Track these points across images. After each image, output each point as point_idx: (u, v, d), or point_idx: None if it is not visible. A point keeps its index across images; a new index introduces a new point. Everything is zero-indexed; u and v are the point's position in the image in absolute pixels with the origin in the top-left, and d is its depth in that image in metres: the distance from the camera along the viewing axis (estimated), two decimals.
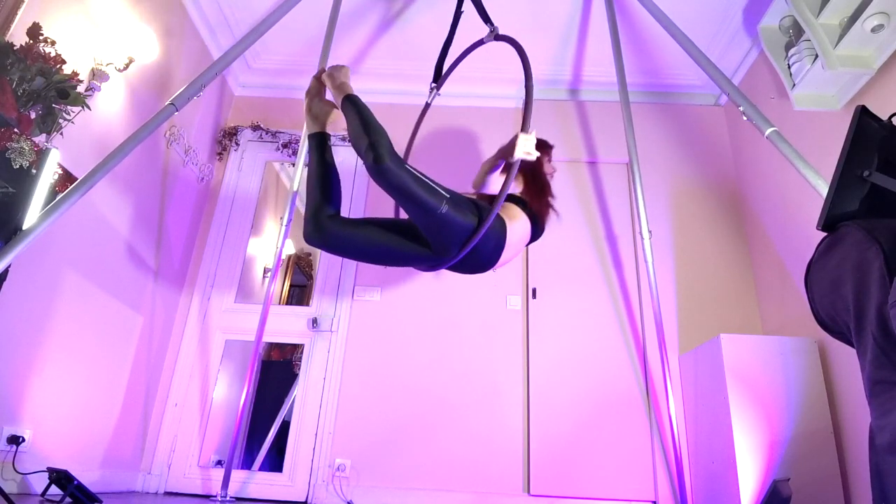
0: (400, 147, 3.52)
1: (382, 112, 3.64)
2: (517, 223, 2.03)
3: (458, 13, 2.60)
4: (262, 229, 3.83)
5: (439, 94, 2.61)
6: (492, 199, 1.96)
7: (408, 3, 3.15)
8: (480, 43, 2.39)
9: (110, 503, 2.20)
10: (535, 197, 2.16)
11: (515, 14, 3.13)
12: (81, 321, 2.39)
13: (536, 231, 2.16)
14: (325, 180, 1.89)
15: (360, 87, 3.63)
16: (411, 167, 1.70)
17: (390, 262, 1.98)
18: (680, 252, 3.20)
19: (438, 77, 2.58)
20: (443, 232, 1.74)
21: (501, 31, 2.23)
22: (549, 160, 2.34)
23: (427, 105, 2.64)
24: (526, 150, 1.80)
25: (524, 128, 1.81)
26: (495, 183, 2.06)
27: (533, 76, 1.91)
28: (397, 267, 2.08)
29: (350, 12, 3.17)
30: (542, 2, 3.08)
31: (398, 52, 3.49)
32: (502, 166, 1.99)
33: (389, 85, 3.66)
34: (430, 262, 1.87)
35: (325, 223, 1.80)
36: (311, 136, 1.97)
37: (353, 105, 1.85)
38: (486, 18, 2.30)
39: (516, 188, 2.19)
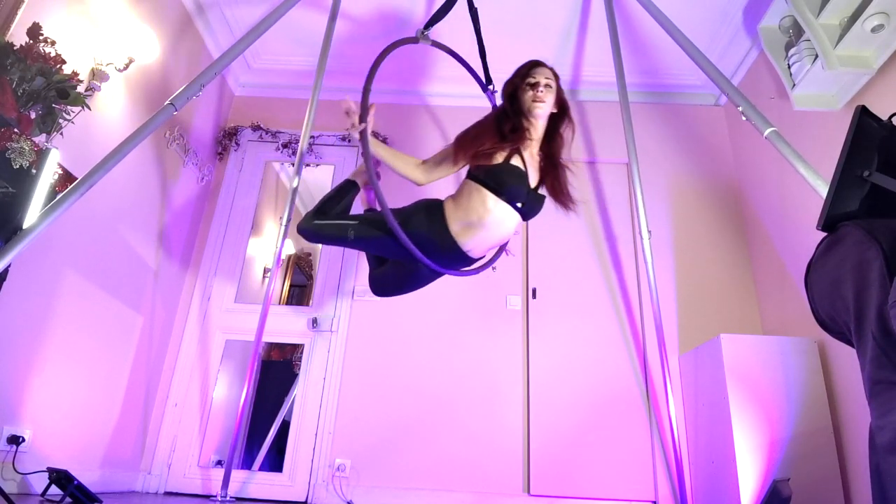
0: (400, 146, 3.51)
1: (383, 112, 3.66)
2: (461, 200, 1.89)
3: (473, 9, 2.67)
4: (262, 229, 3.83)
5: (496, 92, 2.69)
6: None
7: (408, 2, 3.15)
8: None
9: (110, 503, 2.20)
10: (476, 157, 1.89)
11: (515, 14, 3.13)
12: (81, 321, 2.39)
13: (509, 197, 1.86)
14: (374, 255, 2.31)
15: (360, 86, 3.65)
16: (325, 219, 2.06)
17: (413, 285, 2.20)
18: (680, 252, 3.20)
19: (489, 78, 2.78)
20: (382, 251, 2.02)
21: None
22: (524, 83, 1.93)
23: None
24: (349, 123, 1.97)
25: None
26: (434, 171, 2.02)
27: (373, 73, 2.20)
28: (427, 283, 2.20)
29: (350, 12, 3.17)
30: (541, 2, 3.08)
31: (398, 52, 3.48)
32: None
33: (390, 85, 3.66)
34: (421, 273, 2.09)
35: (373, 276, 2.29)
36: None
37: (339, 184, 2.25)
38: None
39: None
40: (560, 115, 2.00)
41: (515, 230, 2.10)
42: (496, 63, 3.44)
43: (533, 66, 1.99)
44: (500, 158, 1.86)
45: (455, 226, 1.89)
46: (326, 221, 2.05)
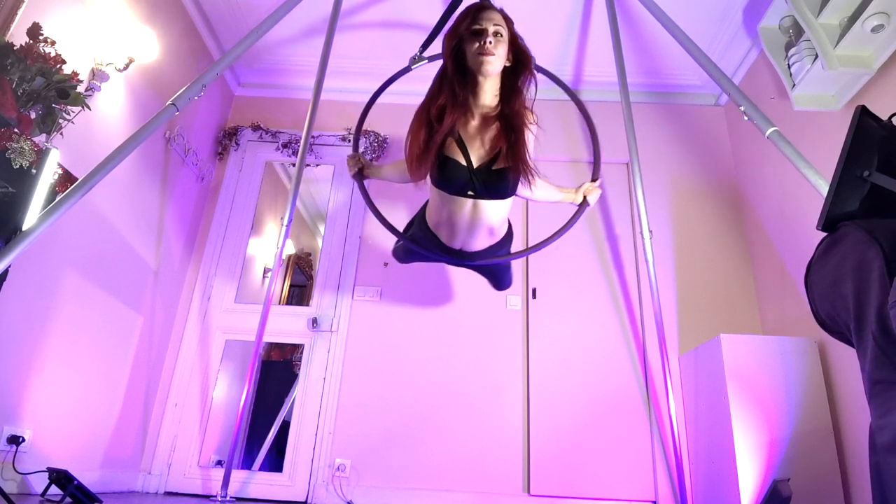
0: (400, 146, 3.49)
1: (385, 112, 3.66)
2: (429, 201, 1.84)
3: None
4: (262, 229, 3.83)
5: None
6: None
7: (410, 2, 3.15)
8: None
9: (110, 503, 2.20)
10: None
11: (515, 13, 3.11)
12: (81, 321, 2.39)
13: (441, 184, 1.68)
14: None
15: (360, 86, 3.66)
16: (398, 243, 2.28)
17: (497, 278, 2.43)
18: (680, 252, 3.20)
19: (426, 48, 2.70)
20: (422, 258, 2.18)
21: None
22: (469, 32, 1.60)
23: (406, 69, 2.73)
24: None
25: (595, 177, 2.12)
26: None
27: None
28: (504, 272, 2.38)
29: (351, 12, 3.17)
30: (542, 1, 3.08)
31: (399, 52, 3.49)
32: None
33: (391, 85, 3.65)
34: (481, 270, 2.28)
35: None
36: None
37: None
38: None
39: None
40: (517, 68, 1.63)
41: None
42: None
43: (477, 9, 1.60)
44: (435, 152, 1.62)
45: (433, 227, 1.84)
46: (395, 246, 2.33)
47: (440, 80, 1.65)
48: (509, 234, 1.96)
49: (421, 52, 2.52)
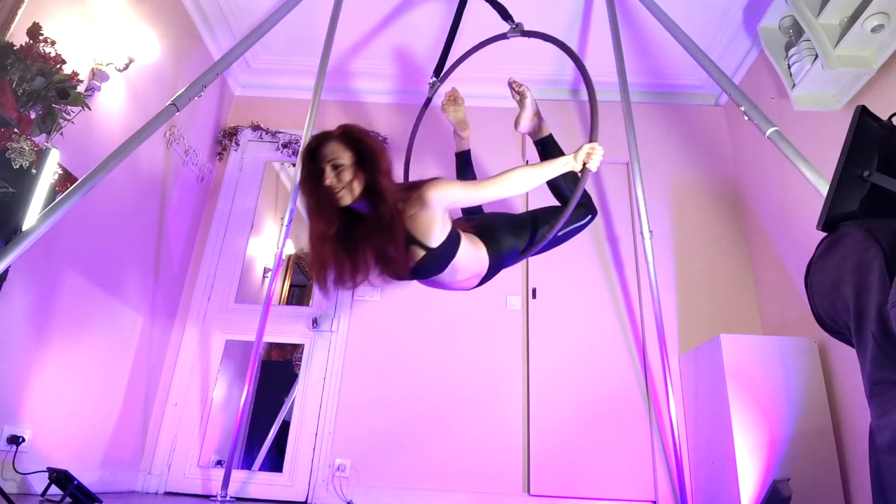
0: (400, 145, 3.50)
1: (383, 112, 3.66)
2: None
3: (462, 4, 2.65)
4: (262, 229, 3.83)
5: (440, 84, 2.63)
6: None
7: (409, 2, 3.15)
8: (503, 37, 2.43)
9: (110, 503, 2.20)
10: None
11: (515, 13, 3.12)
12: (81, 321, 2.39)
13: None
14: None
15: (361, 86, 3.66)
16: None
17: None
18: (680, 252, 3.20)
19: (440, 71, 2.64)
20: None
21: (500, 31, 2.28)
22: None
23: (428, 100, 2.64)
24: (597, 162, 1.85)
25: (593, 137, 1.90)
26: None
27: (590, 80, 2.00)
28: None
29: (351, 12, 3.17)
30: (542, 1, 3.08)
31: (400, 52, 3.50)
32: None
33: (390, 84, 3.66)
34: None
35: None
36: None
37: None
38: (505, 15, 2.43)
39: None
40: (371, 174, 1.49)
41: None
42: (499, 64, 3.45)
43: (311, 152, 1.51)
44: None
45: None
46: None
47: (326, 213, 1.54)
48: (497, 247, 1.80)
49: (436, 77, 2.58)
